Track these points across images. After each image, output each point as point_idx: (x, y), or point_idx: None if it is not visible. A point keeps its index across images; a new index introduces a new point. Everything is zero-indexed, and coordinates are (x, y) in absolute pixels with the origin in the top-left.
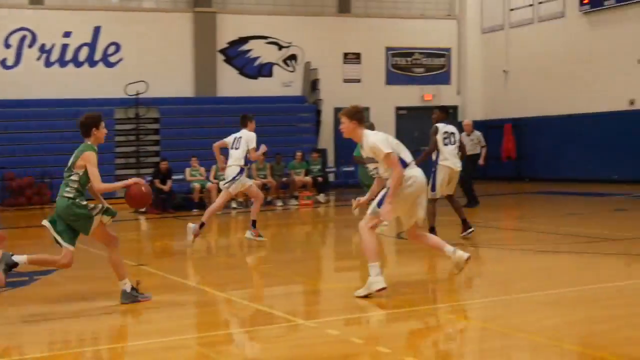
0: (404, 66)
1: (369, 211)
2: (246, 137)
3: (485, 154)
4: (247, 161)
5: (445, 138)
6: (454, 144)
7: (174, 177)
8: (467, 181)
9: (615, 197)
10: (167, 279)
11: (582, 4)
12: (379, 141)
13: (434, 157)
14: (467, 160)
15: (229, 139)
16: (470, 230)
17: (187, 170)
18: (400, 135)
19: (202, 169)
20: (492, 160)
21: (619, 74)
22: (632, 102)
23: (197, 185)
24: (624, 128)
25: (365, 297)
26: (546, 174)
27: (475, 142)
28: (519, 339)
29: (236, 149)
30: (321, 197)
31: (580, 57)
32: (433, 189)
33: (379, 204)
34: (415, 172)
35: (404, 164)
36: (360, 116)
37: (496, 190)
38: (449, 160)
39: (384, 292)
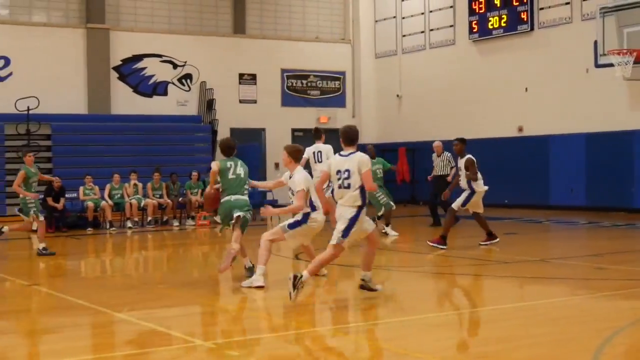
0: (300, 88)
1: (278, 225)
2: (325, 150)
3: (454, 174)
4: None
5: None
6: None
7: (68, 195)
8: (436, 201)
9: (506, 221)
10: (62, 299)
11: (471, 32)
12: (299, 179)
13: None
14: (439, 180)
15: (309, 155)
16: (496, 240)
17: (81, 188)
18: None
19: (97, 188)
20: (389, 183)
21: (508, 101)
22: (520, 129)
23: (90, 204)
24: (514, 154)
25: (261, 288)
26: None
27: (445, 163)
28: (417, 359)
29: (319, 162)
30: (218, 218)
31: (470, 84)
32: (464, 204)
33: (290, 226)
34: (318, 217)
35: (314, 208)
36: (296, 156)
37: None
38: (482, 183)
39: (261, 290)
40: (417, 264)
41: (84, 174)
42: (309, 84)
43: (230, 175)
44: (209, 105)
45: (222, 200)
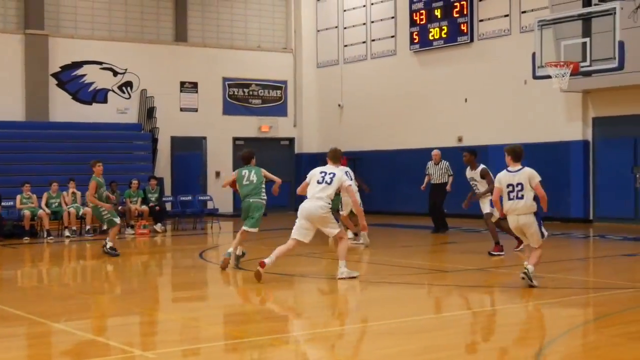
0: (241, 97)
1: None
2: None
3: (452, 182)
4: None
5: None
6: None
7: (4, 203)
8: (437, 208)
9: (446, 230)
10: None
11: (412, 43)
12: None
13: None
14: (437, 188)
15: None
16: (502, 253)
17: (18, 197)
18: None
19: (34, 196)
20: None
21: (448, 111)
22: (460, 139)
23: (27, 212)
24: (453, 163)
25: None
26: (381, 206)
27: (443, 172)
28: None
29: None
30: (158, 227)
31: (411, 94)
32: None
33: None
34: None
35: None
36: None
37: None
38: None
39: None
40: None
41: (21, 182)
42: (251, 93)
43: (245, 182)
44: (150, 113)
45: (242, 203)
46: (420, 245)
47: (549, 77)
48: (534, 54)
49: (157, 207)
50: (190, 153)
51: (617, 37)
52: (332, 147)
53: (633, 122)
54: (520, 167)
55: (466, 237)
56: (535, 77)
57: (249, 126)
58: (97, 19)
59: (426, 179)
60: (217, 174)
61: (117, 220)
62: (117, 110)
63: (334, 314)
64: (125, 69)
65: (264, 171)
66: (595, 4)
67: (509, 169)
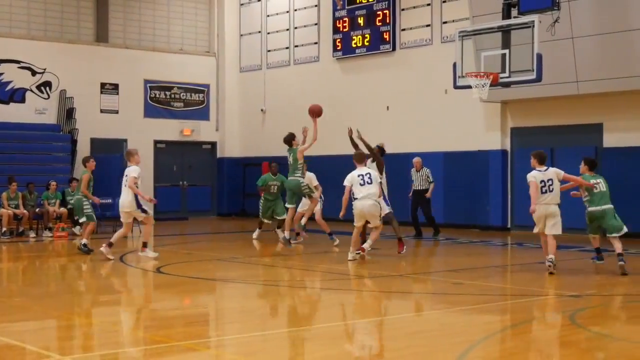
0: (163, 100)
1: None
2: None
3: (432, 189)
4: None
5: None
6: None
7: None
8: (425, 214)
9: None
10: None
11: (335, 50)
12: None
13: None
14: (418, 194)
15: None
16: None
17: None
18: (159, 169)
19: None
20: (252, 197)
21: (370, 119)
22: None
23: None
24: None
25: None
26: None
27: (424, 178)
28: None
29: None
30: (77, 230)
31: (334, 101)
32: None
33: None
34: (356, 204)
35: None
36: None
37: (252, 227)
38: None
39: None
40: (278, 277)
41: None
42: (173, 96)
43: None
44: (69, 114)
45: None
46: (340, 252)
47: (469, 87)
48: (454, 64)
49: None
50: (110, 155)
51: (535, 49)
52: (355, 151)
53: (550, 132)
54: (545, 167)
55: (388, 243)
56: (455, 86)
57: (171, 129)
58: (15, 17)
59: (412, 186)
60: None
61: (95, 218)
62: (36, 111)
63: (256, 319)
64: (44, 69)
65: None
66: (515, 17)
67: (537, 169)
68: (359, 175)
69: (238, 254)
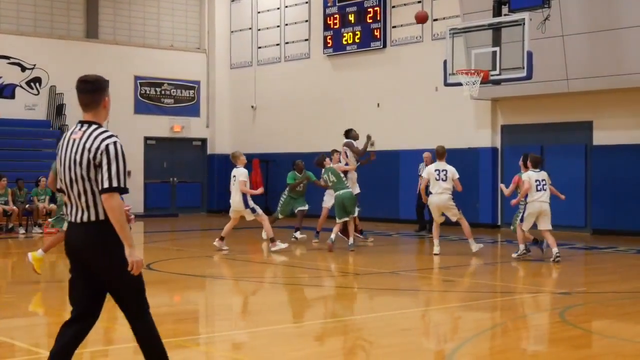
0: (153, 96)
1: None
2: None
3: None
4: None
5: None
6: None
7: None
8: (422, 209)
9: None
10: None
11: (325, 47)
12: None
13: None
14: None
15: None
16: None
17: None
18: (149, 165)
19: None
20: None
21: (360, 116)
22: (372, 144)
23: None
24: (365, 167)
25: None
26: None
27: None
28: None
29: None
30: (66, 226)
31: (324, 97)
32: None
33: None
34: (431, 199)
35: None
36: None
37: (245, 224)
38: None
39: None
40: (268, 274)
41: None
42: (163, 92)
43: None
44: (59, 110)
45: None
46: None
47: (459, 84)
48: (445, 62)
49: None
50: None
51: (526, 47)
52: (438, 145)
53: (540, 130)
54: (539, 169)
55: (377, 240)
56: (446, 84)
57: (161, 126)
58: (4, 12)
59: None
60: (128, 173)
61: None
62: (25, 107)
63: (246, 316)
64: (34, 65)
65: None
66: (506, 14)
67: (533, 170)
68: (435, 170)
69: (229, 251)
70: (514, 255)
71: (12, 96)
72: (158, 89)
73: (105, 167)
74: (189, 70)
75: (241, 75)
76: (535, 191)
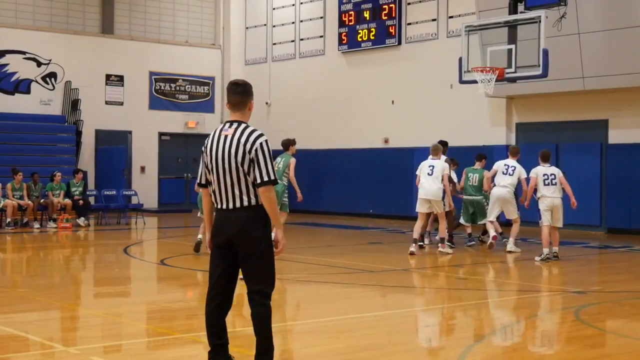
0: (168, 92)
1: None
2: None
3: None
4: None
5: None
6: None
7: None
8: None
9: (371, 231)
10: None
11: (340, 43)
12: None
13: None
14: None
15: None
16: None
17: None
18: (164, 160)
19: None
20: None
21: (375, 113)
22: (386, 141)
23: None
24: (379, 164)
25: None
26: (307, 206)
27: None
28: None
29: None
30: (81, 221)
31: (339, 94)
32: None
33: None
34: (494, 191)
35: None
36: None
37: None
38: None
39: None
40: (282, 271)
41: None
42: (178, 88)
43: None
44: (74, 105)
45: None
46: (346, 245)
47: (474, 82)
48: (460, 59)
49: (81, 201)
50: (114, 147)
51: (541, 45)
52: (512, 145)
53: (555, 128)
54: (549, 164)
55: (391, 237)
56: (461, 81)
57: (175, 121)
58: (20, 7)
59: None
60: (142, 168)
61: None
62: (41, 102)
63: None
64: (50, 60)
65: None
66: (521, 12)
67: (543, 165)
68: (505, 165)
69: None
70: (536, 259)
71: (28, 91)
72: (173, 85)
73: (262, 163)
74: (203, 66)
75: (256, 72)
76: (543, 185)
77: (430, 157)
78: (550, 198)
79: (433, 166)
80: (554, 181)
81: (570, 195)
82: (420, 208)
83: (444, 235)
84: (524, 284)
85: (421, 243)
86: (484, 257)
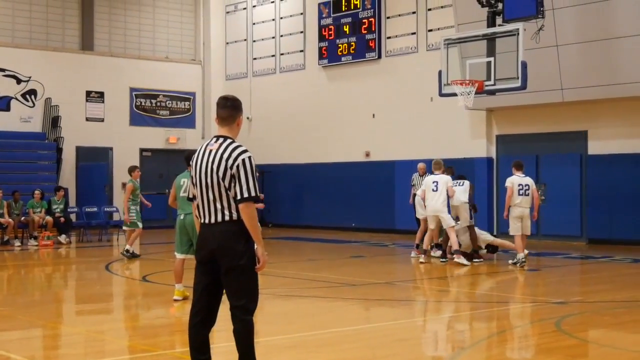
0: (149, 108)
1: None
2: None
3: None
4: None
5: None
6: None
7: None
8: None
9: (353, 244)
10: None
11: (321, 58)
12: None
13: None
14: None
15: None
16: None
17: None
18: (145, 176)
19: None
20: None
21: (356, 127)
22: (368, 154)
23: None
24: (361, 178)
25: None
26: (289, 220)
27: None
28: None
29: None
30: (62, 238)
31: (320, 108)
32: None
33: None
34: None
35: None
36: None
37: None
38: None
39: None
40: (264, 286)
41: None
42: (158, 104)
43: (182, 193)
44: (54, 122)
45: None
46: (326, 259)
47: (454, 94)
48: (440, 72)
49: (62, 218)
50: (95, 164)
51: (520, 57)
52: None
53: (535, 139)
54: (523, 174)
55: (373, 250)
56: (441, 94)
57: (157, 137)
58: None
59: (412, 191)
60: (123, 184)
61: (140, 224)
62: (21, 119)
63: None
64: (29, 77)
65: None
66: (500, 25)
67: (517, 174)
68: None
69: None
70: (510, 262)
71: (8, 108)
72: (153, 101)
73: (243, 179)
74: (184, 81)
75: (237, 87)
76: (517, 195)
77: (434, 172)
78: (521, 208)
79: (437, 182)
80: (527, 192)
81: (536, 207)
82: (431, 224)
83: (457, 247)
84: (505, 295)
85: (426, 249)
86: (466, 269)
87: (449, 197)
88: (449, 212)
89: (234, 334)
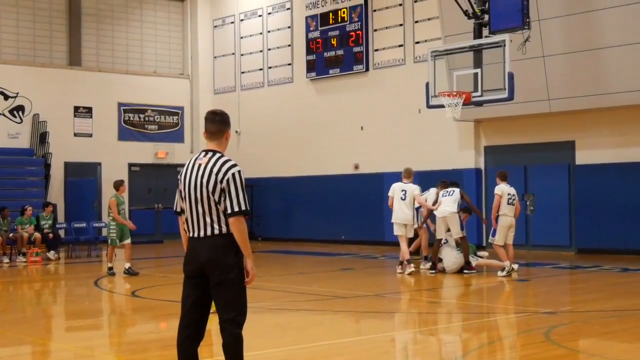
0: (137, 123)
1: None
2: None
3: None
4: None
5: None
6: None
7: None
8: None
9: (343, 257)
10: None
11: (309, 71)
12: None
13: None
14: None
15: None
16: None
17: None
18: (134, 191)
19: None
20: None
21: (344, 139)
22: (356, 167)
23: None
24: (350, 191)
25: None
26: (278, 233)
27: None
28: None
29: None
30: (51, 254)
31: (308, 121)
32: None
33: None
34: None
35: None
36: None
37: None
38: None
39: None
40: (254, 299)
41: None
42: (147, 119)
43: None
44: (42, 138)
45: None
46: (317, 272)
47: (442, 106)
48: (427, 84)
49: (51, 235)
50: (84, 179)
51: (507, 68)
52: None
53: (523, 150)
54: (508, 184)
55: (363, 263)
56: (429, 106)
57: (145, 152)
58: None
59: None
60: None
61: (119, 242)
62: (8, 135)
63: None
64: (17, 93)
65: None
66: (486, 36)
67: (503, 184)
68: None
69: None
70: (500, 274)
71: None
72: (142, 116)
73: (233, 193)
74: (172, 96)
75: (225, 101)
76: (506, 204)
77: (403, 180)
78: (509, 217)
79: (405, 190)
80: (513, 201)
81: (516, 216)
82: (398, 231)
83: (408, 257)
84: (495, 306)
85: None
86: (454, 280)
87: (420, 206)
88: (418, 220)
89: (223, 348)
